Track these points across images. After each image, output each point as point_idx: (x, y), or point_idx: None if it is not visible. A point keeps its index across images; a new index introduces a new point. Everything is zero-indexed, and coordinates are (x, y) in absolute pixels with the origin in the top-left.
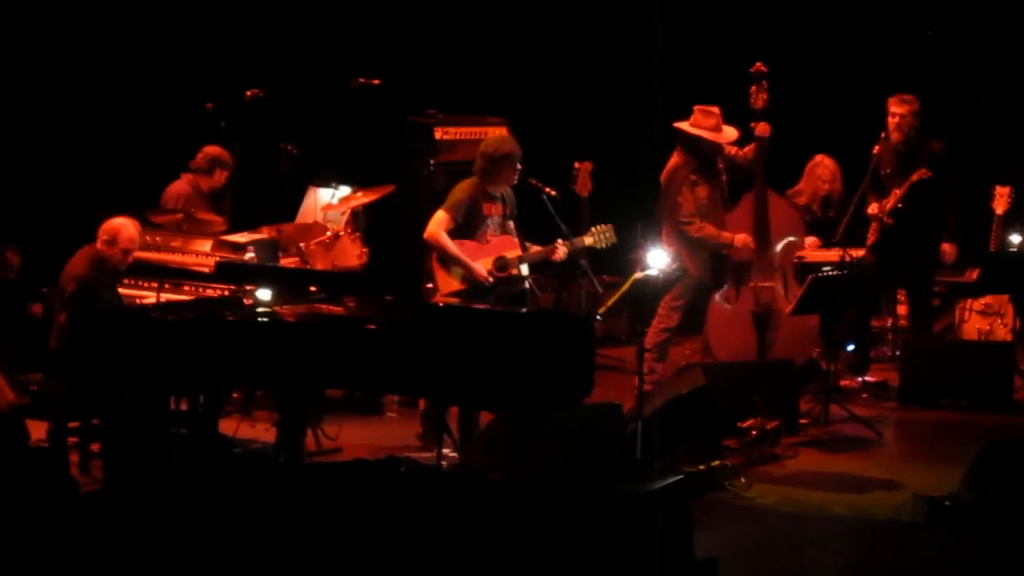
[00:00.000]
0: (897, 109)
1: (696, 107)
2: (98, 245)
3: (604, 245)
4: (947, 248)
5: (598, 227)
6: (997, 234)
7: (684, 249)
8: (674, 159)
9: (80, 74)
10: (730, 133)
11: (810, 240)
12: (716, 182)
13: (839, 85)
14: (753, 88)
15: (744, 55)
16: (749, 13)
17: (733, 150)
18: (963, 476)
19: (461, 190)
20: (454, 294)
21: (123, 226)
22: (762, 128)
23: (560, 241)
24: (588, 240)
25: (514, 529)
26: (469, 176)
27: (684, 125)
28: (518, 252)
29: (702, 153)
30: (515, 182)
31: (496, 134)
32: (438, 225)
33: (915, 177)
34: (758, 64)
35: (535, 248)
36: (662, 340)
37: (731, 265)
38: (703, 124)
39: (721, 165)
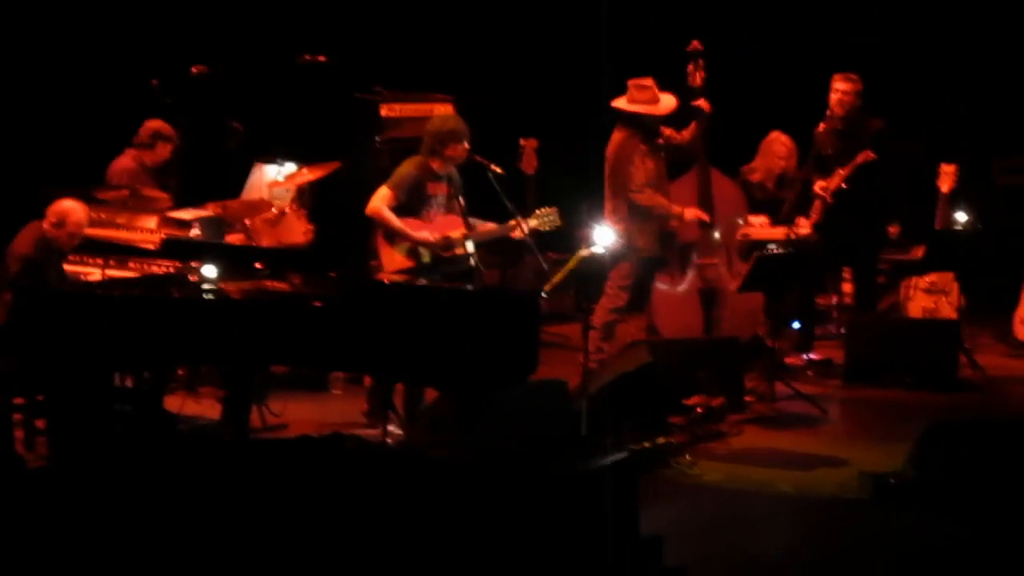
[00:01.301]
0: (840, 86)
1: (630, 82)
2: (45, 225)
3: (549, 228)
4: (891, 227)
5: (542, 210)
6: (943, 212)
7: (633, 223)
8: (618, 133)
9: (24, 49)
10: (668, 102)
11: (759, 218)
12: (659, 157)
13: (786, 60)
14: (690, 66)
15: (691, 30)
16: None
17: (671, 132)
18: (908, 454)
19: (406, 168)
20: (400, 272)
21: (72, 210)
22: (701, 104)
23: (520, 219)
24: (533, 222)
25: (459, 507)
26: (415, 154)
27: (622, 104)
28: (462, 231)
29: (645, 127)
30: (462, 160)
31: (442, 111)
32: (381, 200)
33: (859, 159)
34: (694, 42)
35: (486, 225)
36: (611, 320)
37: (675, 244)
38: (639, 99)
39: (660, 142)
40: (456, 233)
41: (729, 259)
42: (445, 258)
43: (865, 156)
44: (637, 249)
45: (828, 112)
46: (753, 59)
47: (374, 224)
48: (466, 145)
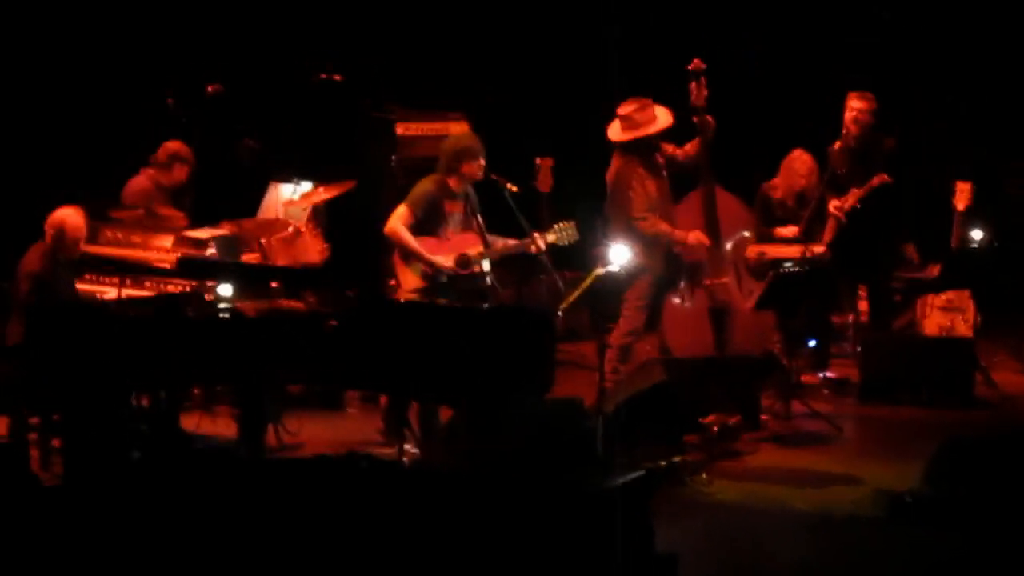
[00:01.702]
0: (856, 104)
1: (618, 110)
2: (51, 237)
3: (567, 242)
4: (908, 248)
5: (560, 224)
6: (958, 230)
7: (639, 246)
8: (617, 160)
9: (39, 69)
10: (663, 119)
11: (790, 228)
12: (661, 177)
13: (799, 78)
14: (692, 85)
15: (699, 50)
16: (706, 7)
17: (672, 148)
18: (923, 472)
19: (423, 187)
20: (416, 291)
21: (67, 216)
22: (706, 120)
23: (537, 234)
24: (551, 237)
25: (474, 525)
26: (430, 172)
27: (616, 135)
28: (480, 248)
29: (641, 149)
30: (479, 178)
31: (457, 130)
32: (398, 220)
33: (875, 182)
34: (696, 61)
35: (504, 242)
36: (627, 343)
37: (684, 264)
38: (632, 121)
39: (661, 161)
40: (473, 251)
41: (738, 276)
42: (462, 276)
43: (880, 179)
44: (647, 269)
45: (843, 131)
46: (753, 59)
47: (390, 244)
48: (482, 162)
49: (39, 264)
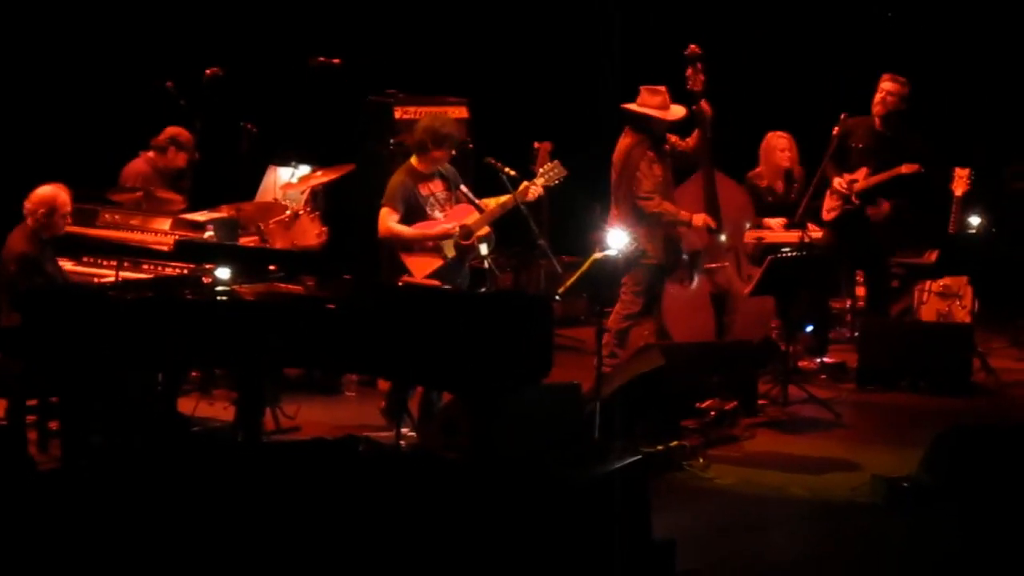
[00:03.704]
0: (886, 86)
1: (642, 87)
2: (36, 218)
3: (556, 180)
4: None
5: (546, 166)
6: (956, 216)
7: (640, 229)
8: (626, 138)
9: (37, 51)
10: (677, 111)
11: (777, 221)
12: (667, 163)
13: (789, 65)
14: (689, 70)
15: (698, 36)
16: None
17: (676, 139)
18: (921, 458)
19: (393, 181)
20: (431, 275)
21: (57, 193)
22: (702, 107)
23: (527, 182)
24: (540, 181)
25: (470, 510)
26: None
27: (632, 105)
28: (476, 215)
29: (653, 132)
30: (446, 163)
31: (456, 114)
32: (385, 219)
33: (904, 170)
34: (692, 46)
35: (496, 200)
36: (625, 327)
37: (684, 248)
38: (650, 103)
39: (667, 148)
40: (471, 219)
41: (738, 262)
42: (468, 247)
43: (910, 168)
44: (647, 255)
45: (842, 114)
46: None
47: (388, 244)
48: (452, 152)
49: (27, 244)
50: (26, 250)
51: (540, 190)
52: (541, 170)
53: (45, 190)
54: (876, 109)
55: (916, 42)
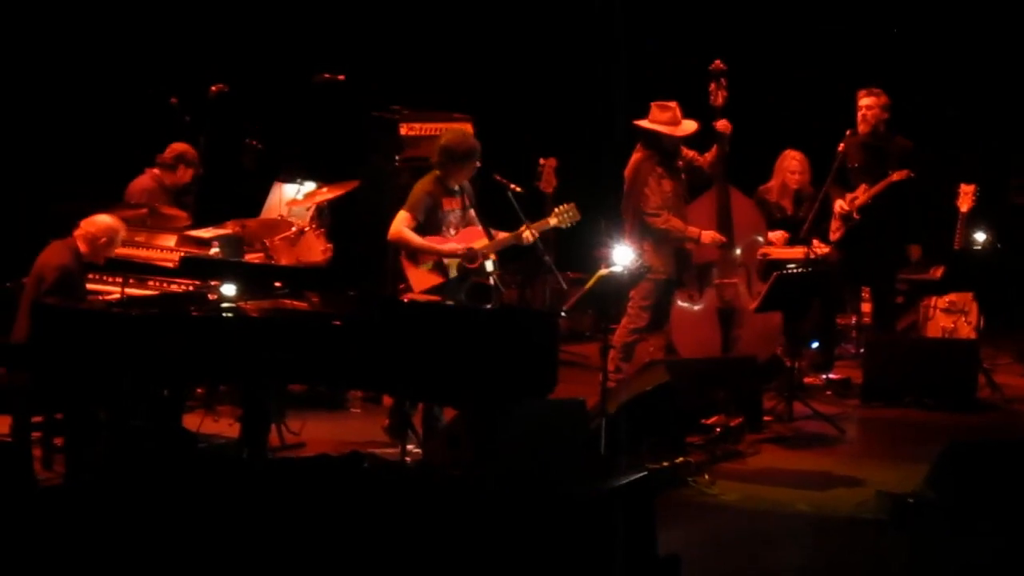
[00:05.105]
0: (864, 101)
1: (653, 103)
2: (96, 242)
3: (569, 224)
4: (913, 249)
5: (561, 207)
6: (961, 232)
7: (649, 244)
8: (637, 154)
9: (44, 68)
10: (688, 126)
11: (778, 234)
12: (678, 179)
13: (805, 82)
14: (712, 86)
15: (708, 51)
16: (713, 8)
17: (693, 154)
18: (926, 474)
19: (420, 188)
20: (430, 290)
21: (121, 226)
22: (722, 125)
23: (526, 224)
24: (552, 220)
25: (475, 526)
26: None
27: (643, 122)
28: (485, 241)
29: (663, 148)
30: (470, 177)
31: (457, 129)
32: (401, 223)
33: (896, 177)
34: (717, 62)
35: (501, 235)
36: (631, 341)
37: (694, 264)
38: (660, 119)
39: (681, 164)
40: (479, 244)
41: (749, 278)
42: (472, 270)
43: (901, 175)
44: (654, 270)
45: (848, 131)
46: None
47: (395, 247)
48: (478, 164)
49: (70, 259)
50: (70, 266)
51: (533, 235)
52: (556, 210)
53: (109, 220)
54: (861, 128)
55: (919, 58)
